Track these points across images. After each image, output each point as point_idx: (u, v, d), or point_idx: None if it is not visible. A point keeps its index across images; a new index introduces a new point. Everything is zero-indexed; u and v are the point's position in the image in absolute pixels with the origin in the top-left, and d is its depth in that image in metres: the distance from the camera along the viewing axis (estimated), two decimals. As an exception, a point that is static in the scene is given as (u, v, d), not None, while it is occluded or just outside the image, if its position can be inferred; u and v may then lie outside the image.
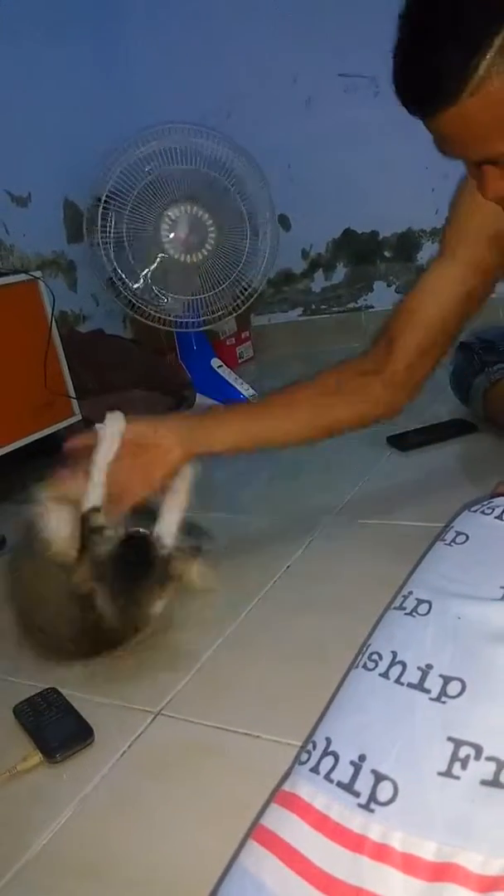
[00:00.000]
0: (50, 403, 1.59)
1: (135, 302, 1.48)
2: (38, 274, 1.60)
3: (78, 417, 1.68)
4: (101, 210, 1.41)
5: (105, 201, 1.44)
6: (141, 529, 0.84)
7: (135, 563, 0.82)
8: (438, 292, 0.96)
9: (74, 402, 1.67)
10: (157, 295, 1.45)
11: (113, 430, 0.88)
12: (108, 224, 1.42)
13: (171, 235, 1.47)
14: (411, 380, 1.00)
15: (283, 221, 2.43)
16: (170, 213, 1.47)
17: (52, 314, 1.60)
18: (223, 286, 1.58)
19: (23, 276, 1.56)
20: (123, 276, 1.43)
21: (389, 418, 1.03)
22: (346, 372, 0.99)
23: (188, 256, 1.50)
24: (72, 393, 1.65)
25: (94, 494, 0.84)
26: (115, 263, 1.43)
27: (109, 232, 1.41)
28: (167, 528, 0.87)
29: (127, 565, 0.81)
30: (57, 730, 0.73)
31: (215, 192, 1.53)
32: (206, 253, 1.53)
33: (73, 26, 2.34)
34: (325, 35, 2.20)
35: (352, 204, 2.34)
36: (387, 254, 2.39)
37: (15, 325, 1.55)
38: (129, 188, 1.42)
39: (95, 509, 0.83)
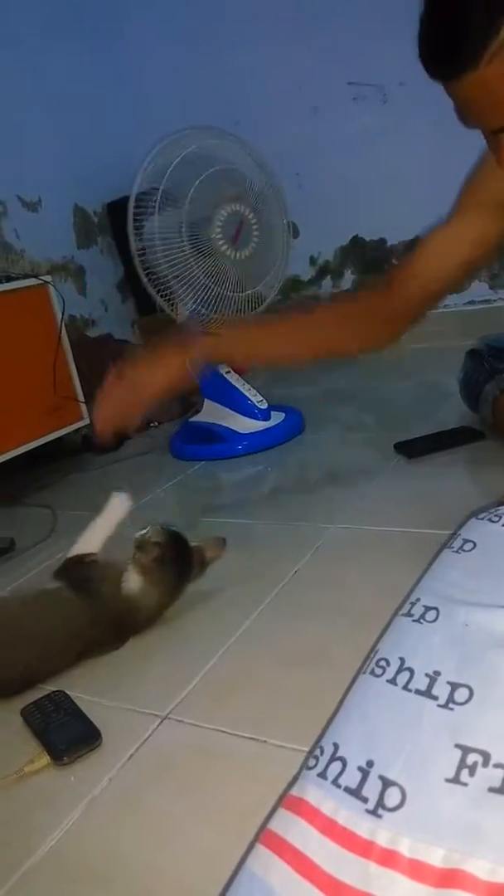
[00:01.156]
0: (59, 407, 1.60)
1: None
2: (48, 278, 1.61)
3: (86, 421, 1.69)
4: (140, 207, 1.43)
5: (138, 201, 1.48)
6: (174, 528, 0.93)
7: (177, 560, 0.91)
8: (443, 251, 1.00)
9: (83, 406, 1.68)
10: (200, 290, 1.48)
11: (118, 507, 0.97)
12: (147, 220, 1.43)
13: (221, 232, 1.50)
14: (407, 322, 1.07)
15: (292, 228, 2.44)
16: (222, 210, 1.51)
17: (62, 318, 1.61)
18: (257, 287, 1.60)
19: (33, 281, 1.57)
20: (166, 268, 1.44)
21: (381, 350, 1.11)
22: (350, 305, 1.07)
23: (235, 253, 1.53)
24: (80, 397, 1.66)
25: (85, 544, 0.94)
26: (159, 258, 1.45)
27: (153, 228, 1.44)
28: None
29: (172, 563, 0.91)
30: (65, 732, 0.73)
31: (254, 195, 1.56)
32: (249, 252, 1.56)
33: (81, 33, 2.36)
34: (332, 43, 2.21)
35: (360, 211, 2.35)
36: (395, 261, 2.39)
37: (25, 330, 1.56)
38: (184, 183, 1.45)
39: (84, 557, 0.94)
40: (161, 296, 1.52)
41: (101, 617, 0.87)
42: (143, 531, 0.92)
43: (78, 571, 0.91)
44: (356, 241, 2.42)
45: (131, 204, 1.44)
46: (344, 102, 2.26)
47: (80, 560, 0.92)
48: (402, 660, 0.54)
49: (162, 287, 1.51)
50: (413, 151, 2.15)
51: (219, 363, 1.13)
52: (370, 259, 2.43)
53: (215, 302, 1.53)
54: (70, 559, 0.93)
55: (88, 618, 0.87)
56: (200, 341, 1.03)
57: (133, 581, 0.89)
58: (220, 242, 1.51)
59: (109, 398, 1.02)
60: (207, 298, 1.52)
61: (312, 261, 2.51)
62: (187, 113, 2.22)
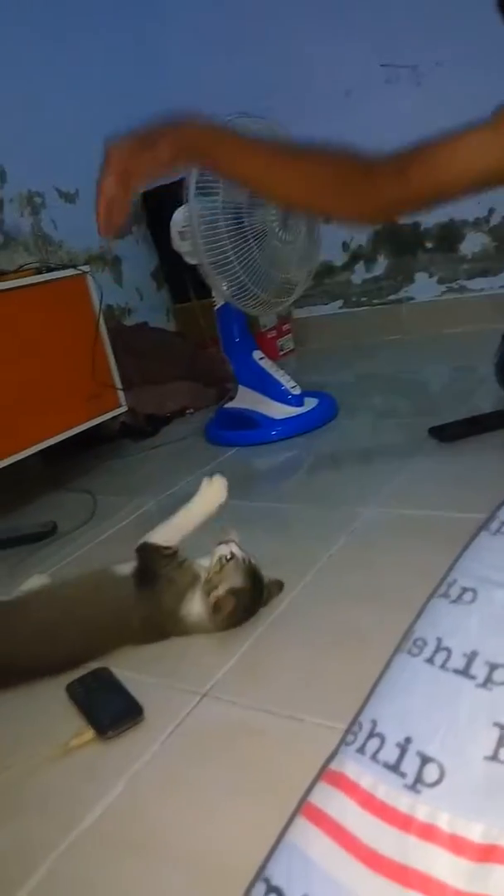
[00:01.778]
0: (98, 394, 1.63)
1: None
2: (86, 268, 1.63)
3: (124, 408, 1.72)
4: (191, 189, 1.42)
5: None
6: (252, 560, 0.88)
7: (246, 608, 0.87)
8: (469, 155, 0.93)
9: (121, 393, 1.71)
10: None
11: (213, 493, 0.92)
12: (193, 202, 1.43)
13: (275, 213, 1.49)
14: (413, 207, 1.04)
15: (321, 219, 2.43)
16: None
17: (100, 308, 1.63)
18: (295, 273, 1.59)
19: (72, 271, 1.59)
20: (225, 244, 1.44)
21: (375, 224, 1.05)
22: (353, 165, 0.98)
23: (284, 234, 1.52)
24: (118, 384, 1.68)
25: (165, 533, 0.90)
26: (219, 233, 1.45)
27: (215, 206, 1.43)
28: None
29: (240, 610, 0.86)
30: (108, 707, 0.75)
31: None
32: (294, 236, 1.55)
33: (113, 23, 2.37)
34: (365, 24, 2.18)
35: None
36: (428, 245, 2.37)
37: (65, 319, 1.59)
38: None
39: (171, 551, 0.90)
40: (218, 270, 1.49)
41: (151, 622, 0.87)
42: (225, 553, 0.86)
43: (150, 564, 0.89)
44: (389, 225, 2.39)
45: (192, 183, 1.43)
46: (377, 85, 2.23)
47: (158, 550, 0.89)
48: (439, 640, 0.55)
49: (223, 268, 1.49)
50: (450, 126, 2.12)
51: (203, 163, 1.03)
52: (403, 243, 2.40)
53: (263, 281, 1.53)
54: (149, 545, 0.90)
55: (140, 618, 0.87)
56: (188, 129, 0.96)
57: (195, 612, 0.86)
58: (274, 224, 1.51)
59: (102, 193, 0.93)
60: (259, 278, 1.51)
61: (345, 246, 2.50)
62: (220, 100, 2.22)
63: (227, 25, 2.40)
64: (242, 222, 1.46)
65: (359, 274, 2.52)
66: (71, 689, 0.80)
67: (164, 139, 0.93)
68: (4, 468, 1.45)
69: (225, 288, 1.52)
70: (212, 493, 0.91)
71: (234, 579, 0.84)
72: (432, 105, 2.15)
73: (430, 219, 2.31)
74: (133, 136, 0.94)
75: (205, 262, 1.48)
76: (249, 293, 1.52)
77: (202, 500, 0.91)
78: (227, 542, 0.88)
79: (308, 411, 1.64)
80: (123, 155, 0.93)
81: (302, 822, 0.47)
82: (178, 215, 1.55)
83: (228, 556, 0.86)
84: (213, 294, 1.64)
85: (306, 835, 0.46)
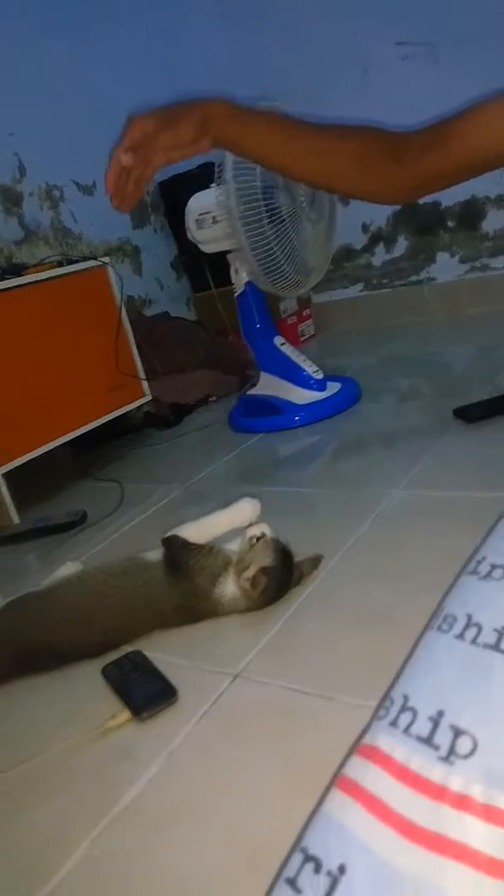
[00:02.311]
0: (122, 385, 1.65)
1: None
2: (106, 260, 1.65)
3: (148, 398, 1.74)
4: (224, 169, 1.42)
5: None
6: (282, 540, 0.90)
7: (278, 586, 0.88)
8: (491, 132, 0.90)
9: (144, 383, 1.72)
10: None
11: (244, 512, 0.94)
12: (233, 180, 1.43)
13: (304, 194, 1.49)
14: (426, 189, 1.01)
15: (342, 196, 2.40)
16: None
17: (121, 299, 1.65)
18: (317, 255, 1.59)
19: (92, 263, 1.61)
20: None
21: (397, 204, 1.04)
22: (377, 144, 0.97)
23: (312, 213, 1.52)
24: (142, 374, 1.70)
25: (193, 531, 0.92)
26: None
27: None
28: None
29: (272, 588, 0.87)
30: (143, 689, 0.77)
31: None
32: (323, 214, 1.55)
33: (128, 10, 2.37)
34: (380, 1, 2.15)
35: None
36: (450, 223, 2.34)
37: (87, 311, 1.61)
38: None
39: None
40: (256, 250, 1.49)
41: (185, 606, 0.89)
42: (256, 533, 0.89)
43: (180, 553, 0.91)
44: (409, 204, 2.37)
45: (229, 162, 1.42)
46: (394, 63, 2.20)
47: (186, 545, 0.91)
48: (469, 616, 0.55)
49: (261, 249, 1.49)
50: (468, 104, 2.08)
51: (227, 144, 1.04)
52: (424, 223, 2.38)
53: (297, 260, 1.53)
54: (178, 538, 0.92)
55: (173, 602, 0.89)
56: (218, 111, 0.95)
57: (229, 591, 0.87)
58: (304, 203, 1.50)
59: (116, 165, 0.94)
60: (293, 257, 1.51)
61: (364, 228, 2.48)
62: (237, 82, 2.21)
63: (243, 6, 2.38)
64: (277, 201, 1.46)
65: (379, 256, 2.50)
66: (106, 672, 0.82)
67: (187, 118, 0.93)
68: (34, 460, 1.48)
69: (259, 268, 1.51)
70: (245, 507, 0.94)
71: (265, 557, 0.86)
72: (450, 82, 2.12)
73: (451, 197, 2.29)
74: (157, 113, 0.94)
75: (243, 243, 1.47)
76: (283, 273, 1.52)
77: (234, 511, 0.94)
78: (257, 524, 0.90)
79: (331, 396, 1.63)
80: (145, 128, 0.93)
81: (337, 795, 0.48)
82: (194, 203, 1.55)
83: (259, 536, 0.88)
84: (233, 281, 1.64)
85: (342, 806, 0.47)
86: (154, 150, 0.93)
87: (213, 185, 1.54)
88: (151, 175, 0.95)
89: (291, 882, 0.43)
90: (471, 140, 0.91)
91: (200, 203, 1.54)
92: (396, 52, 2.19)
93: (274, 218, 1.46)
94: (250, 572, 0.85)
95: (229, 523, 0.94)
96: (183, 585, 0.89)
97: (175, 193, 2.38)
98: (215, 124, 0.95)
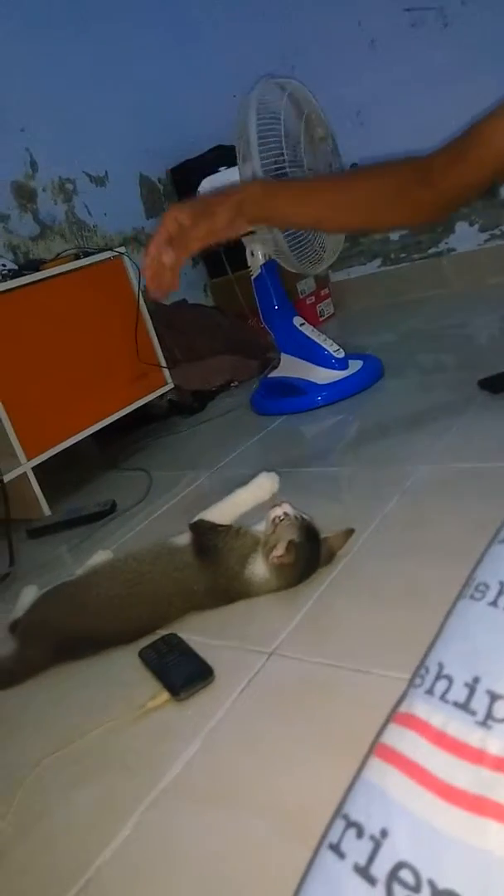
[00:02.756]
0: (144, 374, 1.66)
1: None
2: (122, 250, 1.65)
3: (170, 386, 1.75)
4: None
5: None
6: (305, 516, 0.91)
7: (307, 560, 0.89)
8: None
9: (166, 372, 1.73)
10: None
11: (264, 487, 0.96)
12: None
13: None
14: (458, 203, 1.03)
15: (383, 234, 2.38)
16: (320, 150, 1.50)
17: (139, 288, 1.65)
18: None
19: (108, 254, 1.62)
20: None
21: (426, 225, 1.07)
22: (405, 176, 1.00)
23: None
24: (163, 363, 1.71)
25: (217, 513, 0.94)
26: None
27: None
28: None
29: (302, 562, 0.88)
30: (180, 670, 0.78)
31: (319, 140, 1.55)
32: None
33: (138, 2, 2.35)
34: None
35: (426, 143, 2.23)
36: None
37: (106, 302, 1.62)
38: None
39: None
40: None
41: (216, 588, 0.90)
42: (278, 513, 0.89)
43: (208, 537, 0.92)
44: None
45: (254, 139, 1.43)
46: (403, 31, 2.16)
47: (213, 527, 0.92)
48: (501, 583, 0.55)
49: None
50: (478, 76, 2.04)
51: (265, 221, 1.10)
52: (441, 194, 2.34)
53: (306, 245, 1.52)
54: (205, 522, 0.93)
55: (204, 586, 0.90)
56: (252, 192, 1.01)
57: (259, 570, 0.88)
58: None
59: (153, 251, 0.99)
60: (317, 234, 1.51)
61: (381, 203, 2.44)
62: (247, 61, 2.19)
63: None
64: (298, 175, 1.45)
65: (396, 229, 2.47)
66: (144, 655, 0.84)
67: (222, 207, 0.98)
68: (61, 452, 1.50)
69: (286, 244, 1.50)
70: (264, 482, 0.96)
71: (289, 535, 0.86)
72: (461, 46, 2.08)
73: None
74: (193, 205, 1.00)
75: None
76: (311, 247, 1.51)
77: (255, 488, 0.95)
78: (278, 505, 0.90)
79: (353, 374, 1.62)
80: (182, 220, 0.97)
81: (376, 762, 0.48)
82: (208, 185, 1.54)
83: (281, 517, 0.88)
84: (249, 264, 1.63)
85: (381, 773, 0.47)
86: (190, 239, 0.98)
87: (223, 167, 1.53)
88: (184, 262, 1.01)
89: (335, 847, 0.44)
90: (494, 146, 0.92)
91: (215, 185, 1.53)
92: (404, 20, 2.15)
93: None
94: (279, 550, 0.85)
95: (252, 500, 0.95)
96: (213, 568, 0.90)
97: (187, 180, 2.38)
98: (249, 205, 1.00)
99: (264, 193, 1.02)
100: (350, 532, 0.93)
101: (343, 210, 1.04)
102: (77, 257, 1.58)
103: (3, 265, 1.55)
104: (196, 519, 0.94)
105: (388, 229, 1.07)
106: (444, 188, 0.96)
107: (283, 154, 1.42)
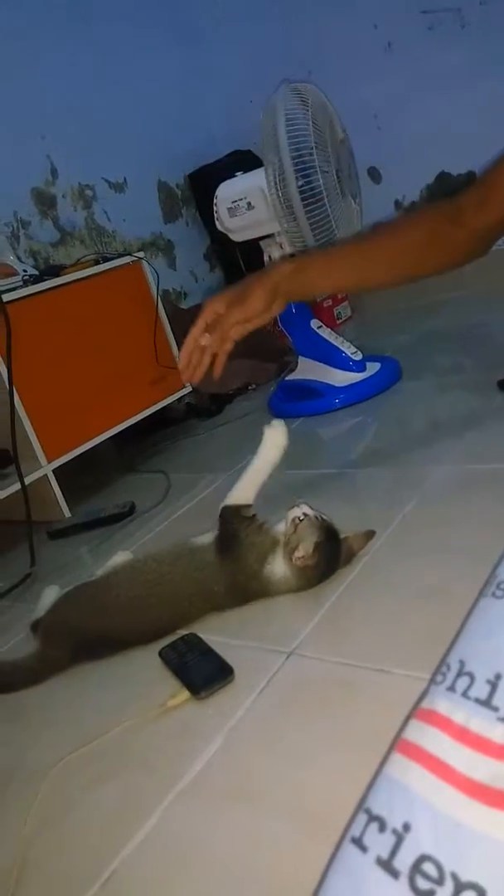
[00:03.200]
0: (162, 377, 1.67)
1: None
2: (141, 255, 1.67)
3: (188, 389, 1.75)
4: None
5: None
6: (325, 516, 0.90)
7: (327, 561, 0.89)
8: None
9: (183, 375, 1.74)
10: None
11: (275, 438, 0.95)
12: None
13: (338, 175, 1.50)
14: (494, 237, 1.03)
15: (373, 174, 2.37)
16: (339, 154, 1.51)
17: (158, 293, 1.67)
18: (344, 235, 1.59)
19: (127, 259, 1.63)
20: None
21: (462, 265, 1.07)
22: (435, 221, 1.01)
23: (347, 188, 1.52)
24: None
25: (240, 492, 0.93)
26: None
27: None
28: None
29: (321, 563, 0.88)
30: (200, 669, 0.78)
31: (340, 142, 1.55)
32: (358, 191, 1.55)
33: (154, 9, 2.38)
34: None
35: (443, 146, 2.25)
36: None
37: (125, 306, 1.63)
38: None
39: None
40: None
41: (236, 586, 0.90)
42: (297, 514, 0.89)
43: (231, 526, 0.92)
44: (442, 177, 2.33)
45: (283, 140, 1.43)
46: (420, 33, 2.16)
47: (237, 512, 0.92)
48: (522, 581, 0.55)
49: (321, 226, 1.49)
50: (497, 77, 2.03)
51: (302, 296, 1.11)
52: (458, 191, 2.33)
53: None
54: (227, 508, 0.93)
55: (224, 585, 0.90)
56: (283, 271, 1.01)
57: (279, 569, 0.88)
58: (342, 179, 1.50)
59: (191, 343, 1.02)
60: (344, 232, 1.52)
61: (398, 204, 2.44)
62: (264, 67, 2.20)
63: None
64: (320, 178, 1.46)
65: (414, 233, 2.46)
66: (164, 655, 0.84)
67: (256, 291, 0.99)
68: (81, 455, 1.51)
69: (316, 244, 1.51)
70: (274, 437, 0.95)
71: (310, 535, 0.87)
72: (479, 48, 2.07)
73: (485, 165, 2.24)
74: (228, 293, 1.02)
75: (301, 220, 1.47)
76: None
77: (267, 448, 0.94)
78: (297, 506, 0.90)
79: (371, 376, 1.62)
80: (218, 309, 1.00)
81: (398, 758, 0.48)
82: (226, 190, 1.55)
83: (301, 518, 0.88)
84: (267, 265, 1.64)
85: (403, 768, 0.47)
86: (229, 325, 1.00)
87: (239, 172, 1.54)
88: (228, 349, 1.03)
89: (357, 841, 0.44)
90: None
91: (234, 190, 1.53)
92: (421, 22, 2.15)
93: (317, 195, 1.46)
94: (301, 551, 0.86)
95: (268, 464, 0.94)
96: (232, 566, 0.90)
97: (205, 185, 2.39)
98: (284, 286, 1.01)
99: (295, 270, 1.02)
100: (371, 534, 0.93)
101: (380, 269, 1.04)
102: (97, 262, 1.60)
103: (25, 271, 1.57)
104: (222, 506, 0.94)
105: (430, 276, 1.07)
106: (477, 226, 0.97)
107: (313, 155, 1.42)
